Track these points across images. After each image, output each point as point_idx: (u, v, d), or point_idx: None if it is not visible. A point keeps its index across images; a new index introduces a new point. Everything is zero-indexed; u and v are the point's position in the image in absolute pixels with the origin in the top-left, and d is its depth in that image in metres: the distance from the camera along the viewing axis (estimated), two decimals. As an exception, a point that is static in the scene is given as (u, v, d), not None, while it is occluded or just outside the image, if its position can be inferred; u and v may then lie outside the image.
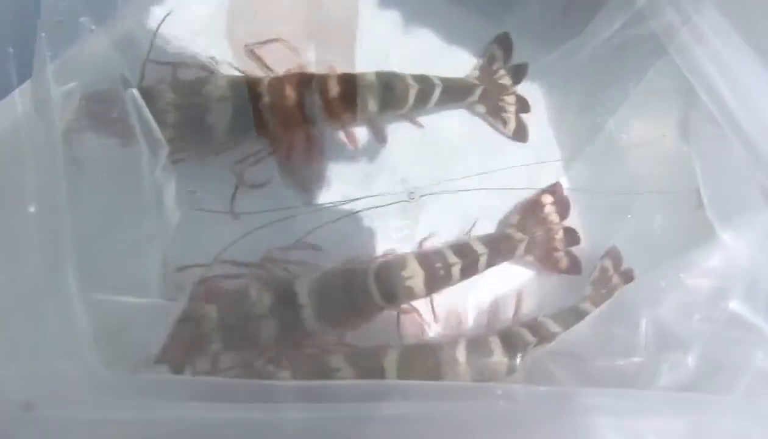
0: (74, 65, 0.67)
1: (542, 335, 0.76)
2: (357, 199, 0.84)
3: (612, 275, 0.83)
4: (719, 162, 0.73)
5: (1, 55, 0.58)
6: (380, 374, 0.69)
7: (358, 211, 0.83)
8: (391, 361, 0.70)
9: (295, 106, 0.78)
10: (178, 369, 0.65)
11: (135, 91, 0.69)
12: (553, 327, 0.78)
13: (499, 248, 0.82)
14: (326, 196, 0.83)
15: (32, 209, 0.53)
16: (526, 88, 0.91)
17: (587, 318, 0.72)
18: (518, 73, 0.91)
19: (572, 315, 0.80)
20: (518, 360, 0.75)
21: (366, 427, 0.49)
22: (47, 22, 0.62)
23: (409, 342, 0.77)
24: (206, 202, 0.79)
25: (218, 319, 0.71)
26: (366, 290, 0.75)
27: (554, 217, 0.86)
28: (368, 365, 0.70)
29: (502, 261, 0.83)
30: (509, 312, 0.83)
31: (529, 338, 0.76)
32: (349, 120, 0.82)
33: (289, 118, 0.78)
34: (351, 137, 0.84)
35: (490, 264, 0.81)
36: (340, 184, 0.84)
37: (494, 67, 0.90)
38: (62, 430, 0.49)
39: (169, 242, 0.70)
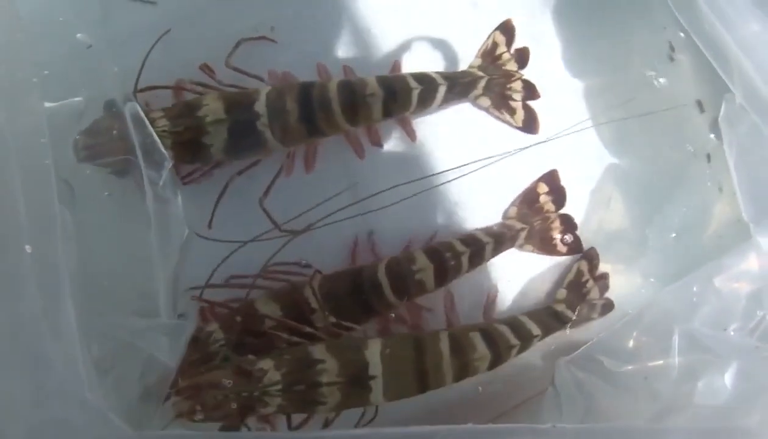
0: (73, 82, 0.64)
1: (523, 337, 0.75)
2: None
3: (587, 280, 0.82)
4: (754, 153, 0.69)
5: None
6: (363, 366, 0.67)
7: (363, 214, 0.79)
8: (373, 353, 0.68)
9: (298, 121, 0.74)
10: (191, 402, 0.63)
11: (136, 105, 0.66)
12: (534, 329, 0.76)
13: (502, 236, 0.80)
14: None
15: (28, 249, 0.50)
16: (539, 75, 0.85)
17: (615, 326, 0.69)
18: (523, 57, 0.85)
19: (548, 315, 0.79)
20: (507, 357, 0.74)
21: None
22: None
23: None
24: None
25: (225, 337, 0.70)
26: (377, 288, 0.74)
27: (550, 207, 0.84)
28: (351, 357, 0.68)
29: (505, 249, 0.82)
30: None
31: (512, 339, 0.74)
32: (352, 128, 0.78)
33: (292, 133, 0.75)
34: (355, 143, 0.80)
35: (494, 252, 0.80)
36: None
37: (497, 52, 0.84)
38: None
39: (176, 259, 0.67)
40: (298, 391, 0.65)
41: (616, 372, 0.67)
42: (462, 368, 0.71)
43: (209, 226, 0.76)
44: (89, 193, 0.69)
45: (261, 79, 0.77)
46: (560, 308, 0.80)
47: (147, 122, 0.67)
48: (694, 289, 0.65)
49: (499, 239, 0.80)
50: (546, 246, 0.84)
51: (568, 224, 0.84)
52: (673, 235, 0.85)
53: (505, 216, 0.84)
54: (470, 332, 0.74)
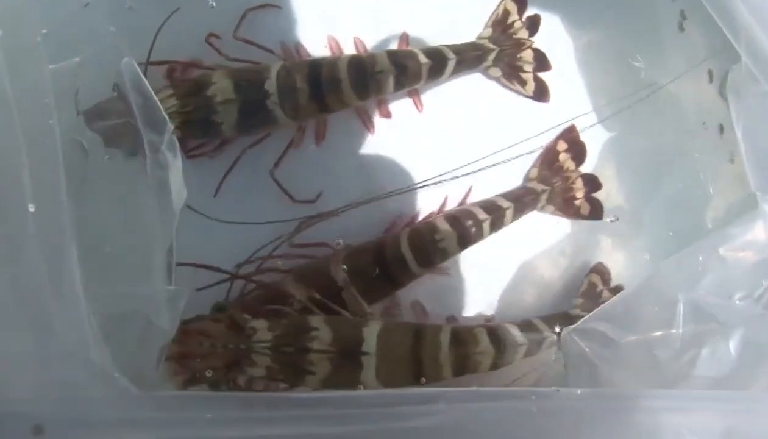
0: (71, 42, 0.63)
1: (532, 338, 0.73)
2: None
3: (602, 290, 0.82)
4: (762, 123, 0.68)
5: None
6: (357, 342, 0.66)
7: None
8: (371, 331, 0.67)
9: (309, 99, 0.74)
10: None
11: (134, 64, 0.65)
12: (546, 332, 0.75)
13: (523, 200, 0.81)
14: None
15: (32, 208, 0.49)
16: (545, 44, 0.85)
17: (620, 295, 0.69)
18: (535, 24, 0.85)
19: (564, 321, 0.77)
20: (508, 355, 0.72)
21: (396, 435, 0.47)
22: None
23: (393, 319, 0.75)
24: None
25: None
26: (401, 259, 0.74)
27: (570, 164, 0.84)
28: (347, 331, 0.67)
29: (527, 212, 0.82)
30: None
31: (520, 338, 0.73)
32: (362, 103, 0.78)
33: (302, 110, 0.75)
34: (365, 118, 0.80)
35: (515, 216, 0.80)
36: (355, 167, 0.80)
37: (509, 21, 0.84)
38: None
39: (174, 225, 0.67)
40: (286, 353, 0.64)
41: (621, 342, 0.67)
42: (461, 360, 0.70)
43: (214, 194, 0.76)
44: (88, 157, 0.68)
45: (271, 52, 0.77)
46: (575, 312, 0.80)
47: (147, 84, 0.65)
48: (699, 258, 0.64)
49: (520, 202, 0.80)
50: (568, 208, 0.83)
51: (591, 184, 0.84)
52: (683, 205, 0.85)
53: (526, 178, 0.84)
54: (476, 328, 0.73)
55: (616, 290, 0.82)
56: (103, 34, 0.65)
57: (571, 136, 0.84)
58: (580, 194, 0.83)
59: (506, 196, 0.81)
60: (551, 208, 0.83)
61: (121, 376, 0.50)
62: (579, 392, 0.51)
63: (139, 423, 0.48)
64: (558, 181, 0.82)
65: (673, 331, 0.62)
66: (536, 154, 0.84)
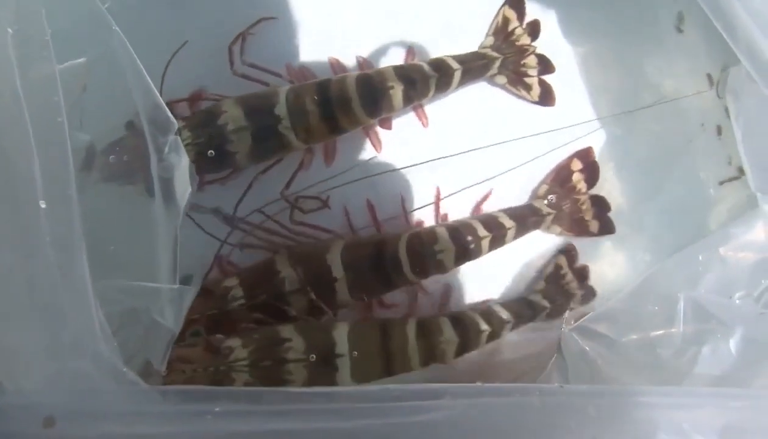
0: (75, 43, 0.63)
1: (494, 324, 0.75)
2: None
3: (566, 273, 0.81)
4: (761, 125, 0.69)
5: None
6: (331, 345, 0.68)
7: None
8: (341, 333, 0.69)
9: (319, 120, 0.74)
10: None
11: (139, 65, 0.65)
12: (505, 315, 0.76)
13: (527, 222, 0.80)
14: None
15: (43, 205, 0.50)
16: (548, 48, 0.85)
17: (622, 294, 0.70)
18: (535, 29, 0.85)
19: (523, 305, 0.79)
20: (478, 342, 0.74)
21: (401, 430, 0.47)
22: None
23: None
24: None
25: (245, 295, 0.70)
26: (397, 263, 0.74)
27: (582, 186, 0.83)
28: (318, 336, 0.68)
29: (529, 231, 0.81)
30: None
31: (483, 324, 0.74)
32: (372, 122, 0.78)
33: (314, 132, 0.74)
34: (374, 138, 0.80)
35: (517, 236, 0.80)
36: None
37: (510, 28, 0.84)
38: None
39: (178, 224, 0.67)
40: (264, 367, 0.66)
41: (621, 340, 0.68)
42: (428, 351, 0.71)
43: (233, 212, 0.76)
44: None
45: (279, 76, 0.77)
46: (536, 298, 0.80)
47: (151, 84, 0.65)
48: (700, 257, 0.66)
49: (523, 223, 0.80)
50: (577, 227, 0.83)
51: (600, 206, 0.83)
52: (682, 206, 0.84)
53: (535, 195, 0.83)
54: (440, 318, 0.74)
55: (581, 271, 0.82)
56: (108, 35, 0.65)
57: (586, 156, 0.84)
58: (589, 216, 0.83)
59: (510, 214, 0.80)
60: (558, 229, 0.83)
61: (129, 370, 0.51)
62: (582, 388, 0.52)
63: (148, 416, 0.48)
64: (567, 203, 0.82)
65: (674, 329, 0.63)
66: (546, 166, 0.84)
